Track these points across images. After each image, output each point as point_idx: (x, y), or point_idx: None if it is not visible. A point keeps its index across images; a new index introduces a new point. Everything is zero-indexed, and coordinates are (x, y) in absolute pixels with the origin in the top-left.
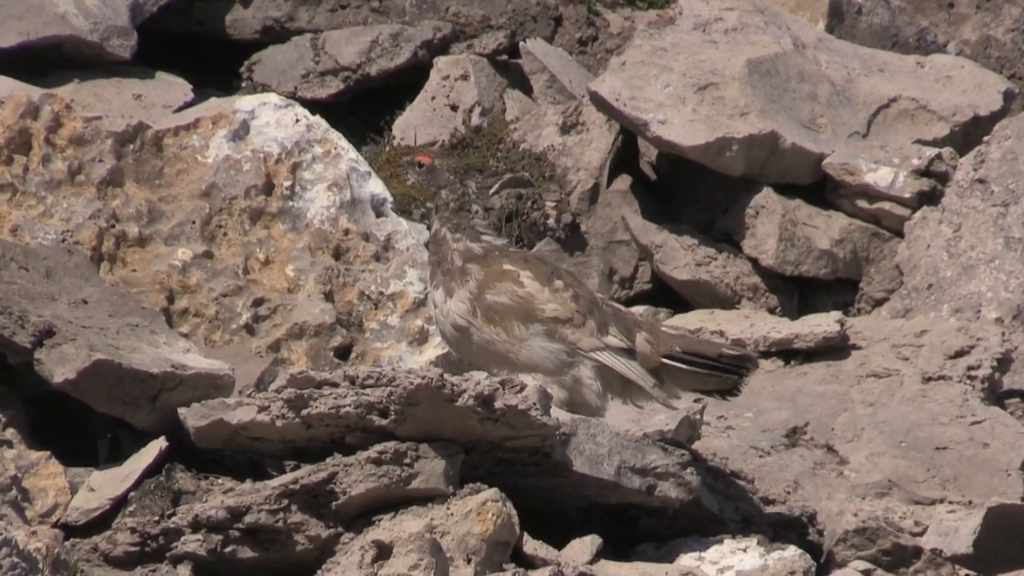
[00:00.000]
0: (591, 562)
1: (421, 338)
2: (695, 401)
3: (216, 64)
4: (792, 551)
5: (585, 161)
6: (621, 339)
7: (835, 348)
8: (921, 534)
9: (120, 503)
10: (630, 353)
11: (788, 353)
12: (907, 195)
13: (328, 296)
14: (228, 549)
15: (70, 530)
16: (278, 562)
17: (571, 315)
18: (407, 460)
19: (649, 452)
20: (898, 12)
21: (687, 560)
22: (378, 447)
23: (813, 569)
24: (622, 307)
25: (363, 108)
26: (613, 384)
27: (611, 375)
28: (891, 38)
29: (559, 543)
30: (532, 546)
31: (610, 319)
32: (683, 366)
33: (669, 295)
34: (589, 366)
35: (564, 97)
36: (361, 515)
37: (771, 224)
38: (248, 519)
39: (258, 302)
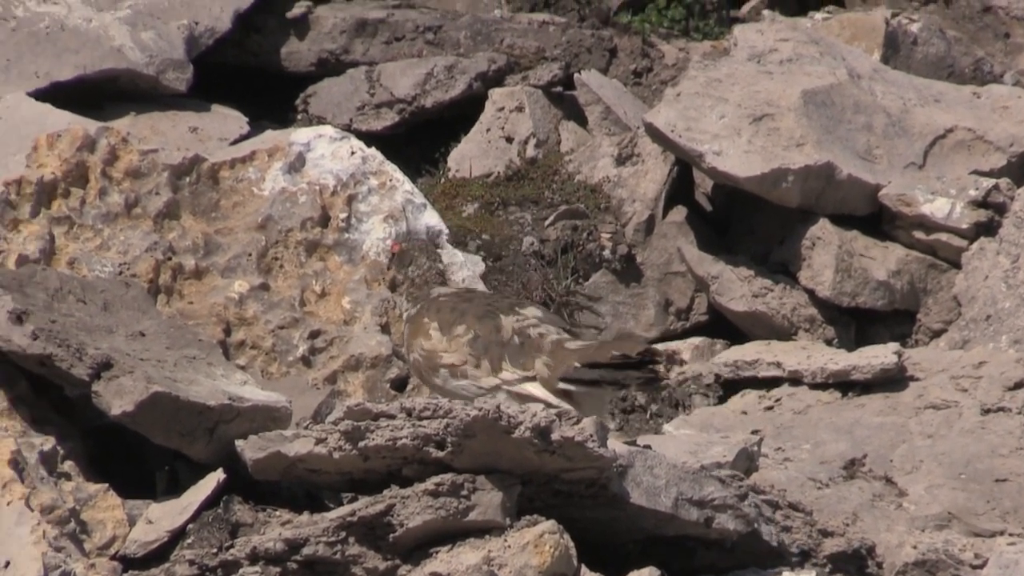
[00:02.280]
0: None
1: None
2: (752, 433)
3: (271, 97)
4: None
5: (640, 192)
6: (515, 372)
7: (893, 380)
8: (981, 566)
9: (178, 535)
10: (532, 380)
11: (846, 385)
12: (964, 226)
13: (384, 328)
14: None
15: (128, 562)
16: None
17: (464, 359)
18: (464, 492)
19: (707, 484)
20: (954, 42)
21: None
22: (435, 479)
23: None
24: (545, 330)
25: (418, 140)
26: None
27: (526, 401)
28: (947, 68)
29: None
30: None
31: (508, 354)
32: (584, 376)
33: (726, 326)
34: (501, 397)
35: (619, 128)
36: (418, 547)
37: (828, 255)
38: (306, 551)
39: (314, 334)
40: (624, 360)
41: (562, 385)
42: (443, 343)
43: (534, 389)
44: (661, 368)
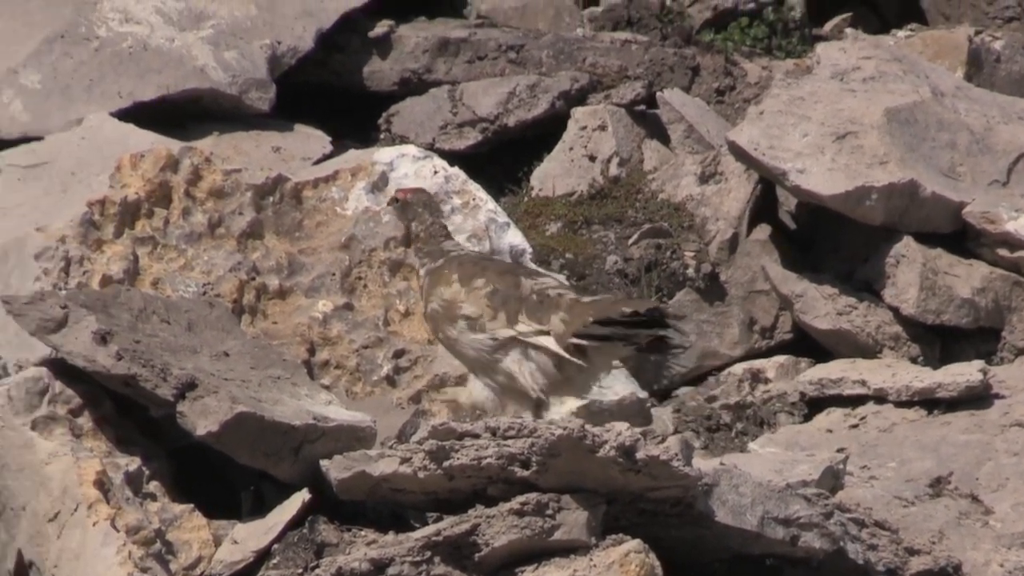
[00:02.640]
0: None
1: None
2: (838, 451)
3: (354, 116)
4: None
5: (724, 211)
6: (530, 324)
7: (978, 397)
8: None
9: (264, 555)
10: (546, 334)
11: (931, 402)
12: None
13: None
14: None
15: None
16: None
17: (481, 311)
18: (549, 511)
19: (792, 502)
20: None
21: None
22: (520, 498)
23: None
24: (563, 291)
25: (501, 159)
26: (545, 366)
27: (539, 359)
28: None
29: None
30: None
31: (525, 308)
32: (596, 331)
33: (810, 345)
34: (514, 355)
35: (702, 147)
36: (504, 566)
37: (912, 273)
38: (391, 571)
39: (399, 353)
40: (635, 317)
41: (575, 340)
42: (462, 294)
43: (547, 342)
44: (670, 328)
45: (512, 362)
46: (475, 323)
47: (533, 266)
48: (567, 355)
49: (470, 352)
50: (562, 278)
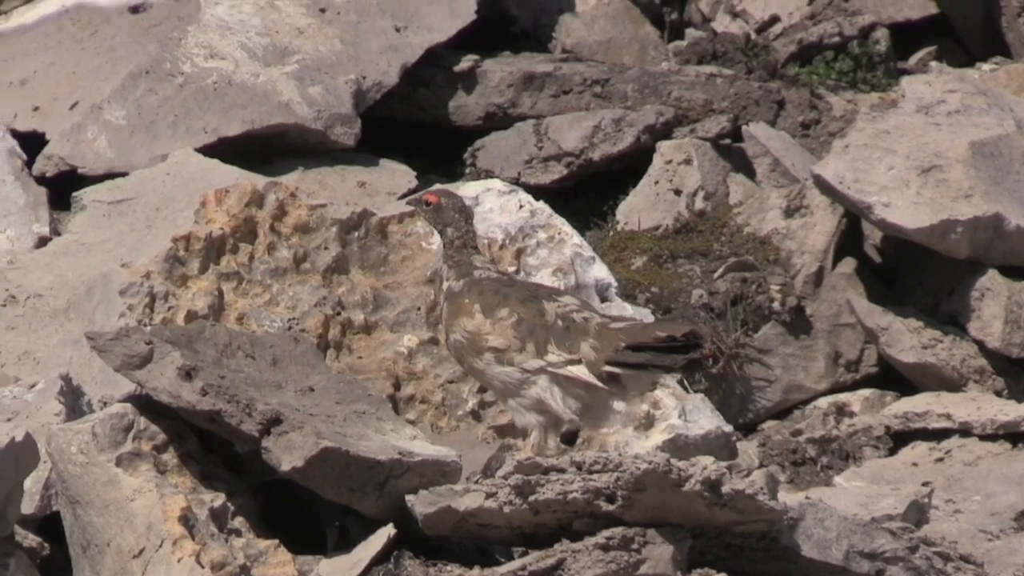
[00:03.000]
0: None
1: (647, 423)
2: (923, 485)
3: (439, 150)
4: None
5: (809, 244)
6: (560, 354)
7: None
8: None
9: None
10: (578, 363)
11: (1016, 436)
12: None
13: None
14: None
15: None
16: None
17: (509, 343)
18: (635, 545)
19: (877, 536)
20: None
21: None
22: (606, 532)
23: None
24: (589, 315)
25: (586, 193)
26: (575, 391)
27: (569, 384)
28: None
29: None
30: None
31: (553, 337)
32: (630, 359)
33: (895, 378)
34: (543, 382)
35: (787, 180)
36: None
37: (997, 306)
38: None
39: (484, 388)
40: (670, 342)
41: (608, 368)
42: (487, 325)
43: (579, 372)
44: (705, 349)
45: (541, 389)
46: (503, 356)
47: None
48: (601, 384)
49: (497, 384)
50: (577, 298)
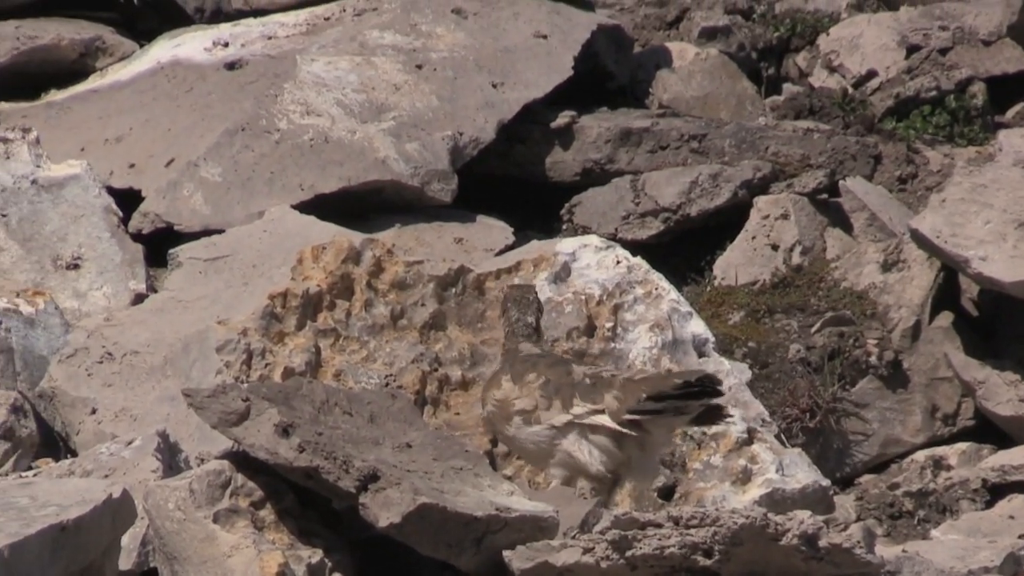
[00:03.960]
0: None
1: (744, 477)
2: (1020, 537)
3: (536, 206)
4: None
5: (906, 298)
6: (584, 405)
7: None
8: None
9: None
10: (602, 413)
11: None
12: None
13: None
14: None
15: None
16: None
17: (536, 403)
18: None
19: None
20: None
21: None
22: None
23: None
24: (615, 372)
25: (683, 248)
26: (604, 445)
27: (597, 438)
28: None
29: None
30: None
31: (578, 392)
32: (650, 407)
33: (993, 431)
34: (572, 438)
35: (884, 235)
36: None
37: None
38: None
39: None
40: (687, 388)
41: (629, 416)
42: (515, 391)
43: (604, 420)
44: (719, 391)
45: (570, 444)
46: (530, 416)
47: (716, 355)
48: (623, 429)
49: (529, 447)
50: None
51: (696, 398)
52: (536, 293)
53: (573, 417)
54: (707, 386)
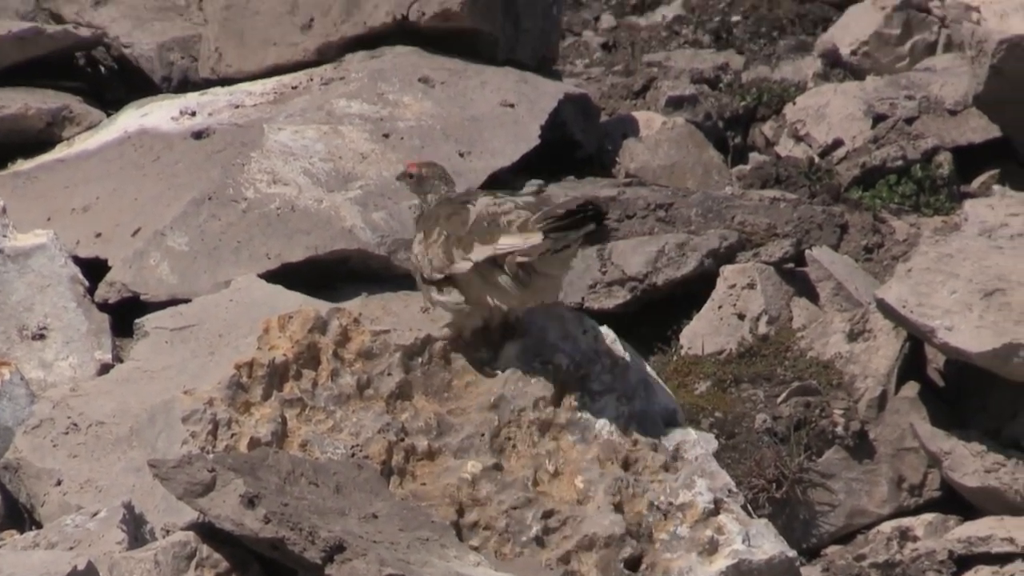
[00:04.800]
0: None
1: (711, 548)
2: None
3: None
4: None
5: (872, 368)
6: (484, 250)
7: None
8: None
9: None
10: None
11: None
12: None
13: (617, 507)
14: None
15: None
16: None
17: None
18: None
19: None
20: None
21: None
22: None
23: None
24: (513, 216)
25: (649, 317)
26: (505, 282)
27: (501, 278)
28: None
29: None
30: None
31: (476, 237)
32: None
33: (959, 502)
34: (477, 282)
35: (850, 304)
36: None
37: None
38: None
39: (548, 514)
40: (572, 215)
41: (521, 259)
42: (426, 247)
43: (511, 241)
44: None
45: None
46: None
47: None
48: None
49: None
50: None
51: (582, 224)
52: (441, 169)
53: (473, 264)
54: (590, 211)
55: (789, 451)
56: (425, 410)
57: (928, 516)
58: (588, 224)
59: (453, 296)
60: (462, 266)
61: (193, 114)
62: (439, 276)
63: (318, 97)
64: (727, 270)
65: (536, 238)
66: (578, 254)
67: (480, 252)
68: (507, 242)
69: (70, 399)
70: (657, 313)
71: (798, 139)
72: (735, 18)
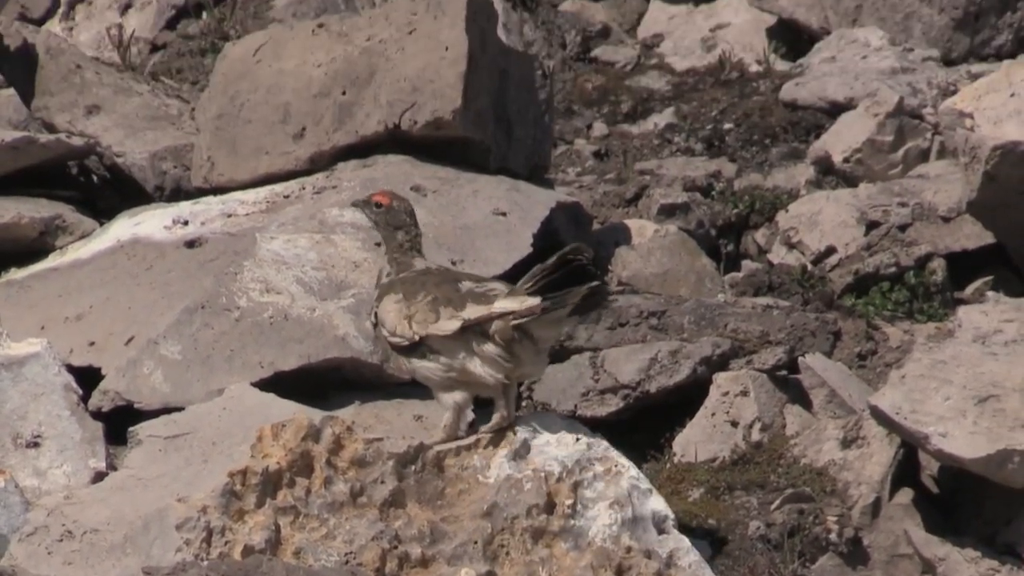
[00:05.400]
0: None
1: None
2: None
3: None
4: None
5: (866, 475)
6: (477, 310)
7: None
8: None
9: None
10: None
11: None
12: None
13: None
14: None
15: None
16: None
17: (426, 316)
18: None
19: None
20: None
21: None
22: None
23: None
24: (495, 289)
25: (642, 425)
26: (493, 353)
27: (487, 347)
28: None
29: None
30: None
31: (469, 299)
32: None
33: None
34: (462, 356)
35: (844, 411)
36: None
37: None
38: None
39: None
40: (558, 265)
41: (516, 322)
42: (407, 309)
43: (506, 304)
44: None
45: (463, 363)
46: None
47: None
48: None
49: (430, 376)
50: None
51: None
52: (410, 205)
53: (463, 321)
54: (577, 257)
55: (783, 558)
56: (419, 518)
57: None
58: (585, 282)
59: (440, 363)
60: (450, 325)
61: (186, 223)
62: (415, 337)
63: (310, 206)
64: (720, 377)
65: (532, 300)
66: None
67: (474, 311)
68: (503, 305)
69: (64, 507)
70: (650, 420)
71: (791, 246)
72: (727, 126)
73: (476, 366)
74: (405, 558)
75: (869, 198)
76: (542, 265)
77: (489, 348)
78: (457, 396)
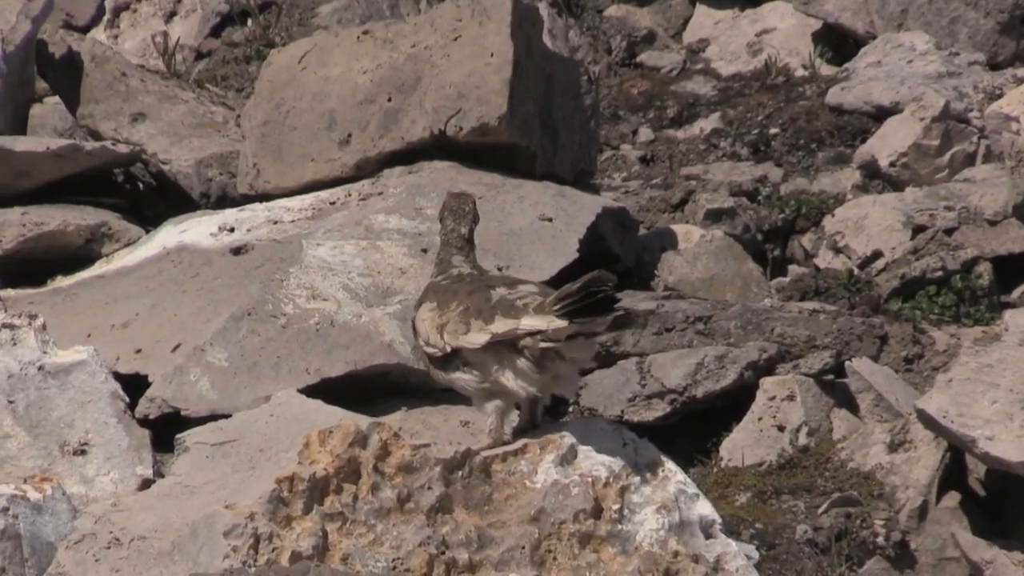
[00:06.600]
0: None
1: None
2: None
3: None
4: None
5: (913, 479)
6: (507, 323)
7: None
8: None
9: None
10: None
11: None
12: None
13: None
14: None
15: None
16: None
17: (457, 327)
18: None
19: None
20: None
21: None
22: None
23: None
24: (525, 298)
25: (689, 429)
26: (526, 367)
27: (520, 362)
28: None
29: None
30: None
31: (499, 310)
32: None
33: None
34: (496, 370)
35: (891, 415)
36: None
37: None
38: None
39: None
40: (586, 290)
41: (544, 345)
42: (439, 317)
43: (532, 323)
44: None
45: (496, 376)
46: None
47: (723, 536)
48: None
49: (464, 388)
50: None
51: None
52: (473, 203)
53: (492, 336)
54: (601, 287)
55: (830, 562)
56: (466, 523)
57: None
58: (612, 307)
59: (473, 375)
60: (479, 338)
61: (232, 230)
62: (447, 348)
63: (356, 212)
64: (767, 382)
65: (559, 323)
66: (618, 364)
67: (502, 325)
68: (529, 323)
69: (112, 514)
70: (696, 425)
71: (837, 251)
72: (773, 130)
73: (509, 379)
74: (452, 564)
75: (915, 202)
76: (568, 289)
77: (521, 363)
78: (497, 400)
